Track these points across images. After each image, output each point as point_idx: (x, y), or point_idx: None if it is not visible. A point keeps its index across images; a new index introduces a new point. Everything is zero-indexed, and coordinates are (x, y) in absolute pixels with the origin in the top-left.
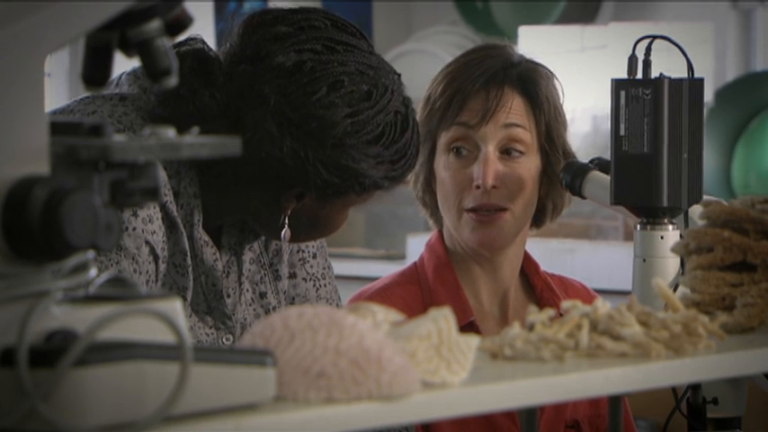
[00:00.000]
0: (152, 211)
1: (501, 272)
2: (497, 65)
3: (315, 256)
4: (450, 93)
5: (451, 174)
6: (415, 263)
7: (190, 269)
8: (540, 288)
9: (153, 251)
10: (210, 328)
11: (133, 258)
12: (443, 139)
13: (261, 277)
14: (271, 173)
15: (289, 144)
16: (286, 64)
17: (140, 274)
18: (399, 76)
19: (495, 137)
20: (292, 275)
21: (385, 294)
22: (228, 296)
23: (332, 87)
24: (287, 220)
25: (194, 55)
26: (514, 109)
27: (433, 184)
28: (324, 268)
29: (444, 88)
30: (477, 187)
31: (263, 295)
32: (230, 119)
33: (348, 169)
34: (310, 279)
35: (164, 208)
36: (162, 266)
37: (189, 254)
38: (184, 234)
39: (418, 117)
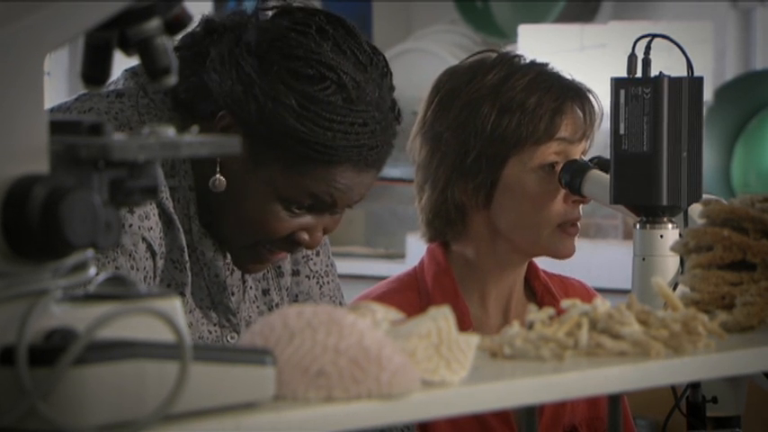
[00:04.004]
0: (148, 208)
1: (511, 278)
2: (560, 74)
3: (318, 254)
4: (552, 107)
5: (547, 189)
6: (414, 268)
7: (188, 265)
8: (540, 293)
9: (150, 248)
10: (215, 325)
11: (130, 255)
12: (539, 152)
13: (263, 274)
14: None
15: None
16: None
17: (138, 270)
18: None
19: (581, 150)
20: (296, 273)
21: (383, 302)
22: (233, 293)
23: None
24: (218, 171)
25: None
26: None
27: (496, 194)
28: (327, 266)
29: (539, 100)
30: (575, 201)
31: (265, 292)
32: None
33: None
34: (314, 276)
35: (160, 204)
36: (160, 263)
37: (186, 250)
38: (181, 230)
39: (490, 122)
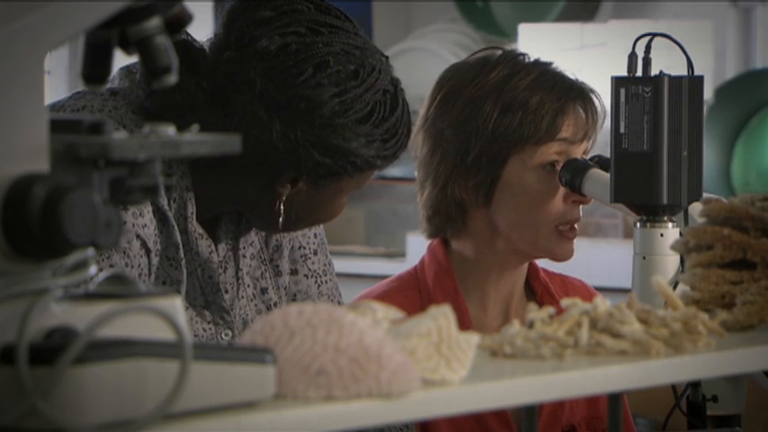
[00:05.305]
0: (142, 205)
1: (512, 278)
2: (563, 74)
3: (316, 253)
4: (554, 107)
5: (547, 188)
6: (415, 267)
7: (183, 262)
8: (539, 293)
9: (144, 245)
10: (209, 323)
11: (124, 252)
12: (540, 152)
13: (261, 273)
14: (262, 158)
15: (278, 127)
16: (270, 48)
17: (132, 267)
18: (387, 57)
19: (583, 150)
20: (294, 272)
21: (384, 301)
22: (227, 291)
23: (317, 68)
24: (282, 207)
25: (178, 46)
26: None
27: (496, 192)
28: (325, 265)
29: (541, 100)
30: (575, 202)
31: (263, 291)
32: (218, 107)
33: (338, 149)
34: (312, 276)
35: (154, 202)
36: (155, 260)
37: (181, 247)
38: (176, 227)
39: (492, 121)
